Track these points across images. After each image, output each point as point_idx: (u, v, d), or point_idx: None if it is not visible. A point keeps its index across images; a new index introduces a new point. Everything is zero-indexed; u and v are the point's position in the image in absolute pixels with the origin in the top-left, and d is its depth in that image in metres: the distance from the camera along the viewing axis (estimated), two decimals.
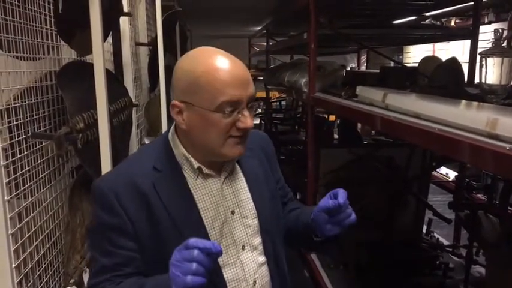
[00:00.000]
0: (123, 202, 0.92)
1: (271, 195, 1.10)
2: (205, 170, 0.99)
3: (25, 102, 1.15)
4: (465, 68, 2.60)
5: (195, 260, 0.76)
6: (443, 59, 2.61)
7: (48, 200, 1.28)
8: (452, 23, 5.28)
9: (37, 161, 1.21)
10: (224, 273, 0.98)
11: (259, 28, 5.90)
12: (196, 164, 0.98)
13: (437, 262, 2.76)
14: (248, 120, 0.92)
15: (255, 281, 1.02)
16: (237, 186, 1.04)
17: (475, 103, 1.53)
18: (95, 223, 0.96)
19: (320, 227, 1.01)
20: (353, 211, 1.00)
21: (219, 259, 0.92)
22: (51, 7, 1.29)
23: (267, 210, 1.07)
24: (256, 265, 1.03)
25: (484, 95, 1.68)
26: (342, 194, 0.96)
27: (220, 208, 1.00)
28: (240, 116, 0.92)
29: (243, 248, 1.02)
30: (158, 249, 0.92)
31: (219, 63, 0.91)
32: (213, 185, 1.00)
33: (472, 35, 2.91)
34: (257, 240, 1.04)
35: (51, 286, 1.28)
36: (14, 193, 1.07)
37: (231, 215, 1.01)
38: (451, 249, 3.02)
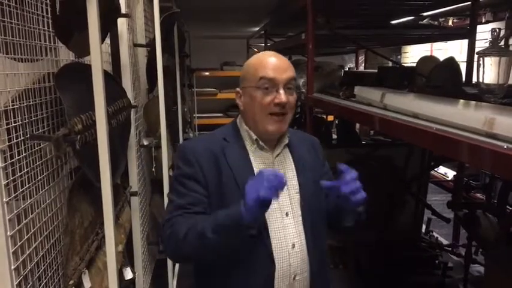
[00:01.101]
0: (199, 159, 1.21)
1: (314, 180, 1.26)
2: (261, 142, 1.25)
3: (23, 104, 1.15)
4: (463, 67, 2.61)
5: (268, 180, 1.00)
6: (441, 58, 2.63)
7: (47, 201, 1.27)
8: (450, 23, 5.29)
9: (36, 163, 1.21)
10: (270, 232, 1.19)
11: (257, 29, 5.90)
12: (254, 136, 1.25)
13: (437, 261, 2.77)
14: (283, 96, 1.18)
15: (294, 244, 1.20)
16: (286, 164, 1.28)
17: (473, 102, 1.53)
18: (176, 174, 1.24)
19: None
20: (360, 190, 1.13)
21: (267, 219, 1.17)
22: (49, 8, 1.29)
23: (310, 190, 1.25)
24: (296, 231, 1.22)
25: (481, 94, 1.68)
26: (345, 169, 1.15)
27: None
28: (276, 94, 1.19)
29: (287, 214, 1.22)
30: (220, 198, 1.18)
31: (265, 56, 1.24)
32: (266, 158, 1.26)
33: (470, 35, 2.92)
34: (299, 211, 1.24)
35: None
36: (13, 195, 1.07)
37: None
38: (450, 249, 3.03)
